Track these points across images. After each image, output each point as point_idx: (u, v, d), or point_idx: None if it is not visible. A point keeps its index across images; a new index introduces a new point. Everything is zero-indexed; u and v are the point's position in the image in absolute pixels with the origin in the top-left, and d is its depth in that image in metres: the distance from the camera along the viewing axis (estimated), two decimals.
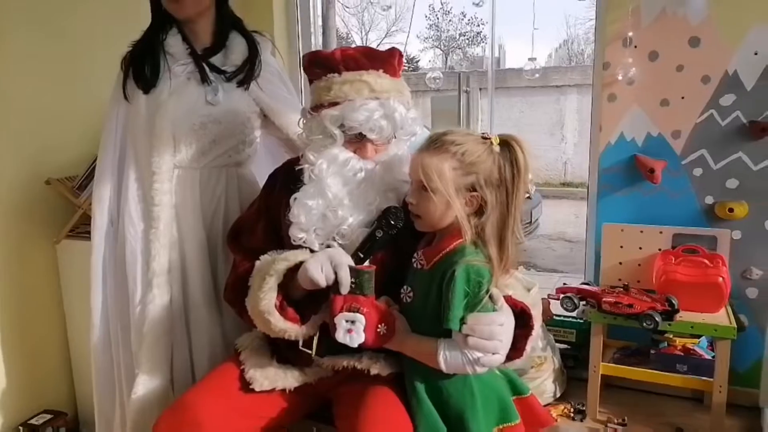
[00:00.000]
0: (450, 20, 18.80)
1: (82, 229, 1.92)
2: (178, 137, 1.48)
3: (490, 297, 1.06)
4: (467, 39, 18.88)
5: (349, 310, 1.08)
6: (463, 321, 1.03)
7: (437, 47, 19.52)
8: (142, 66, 1.48)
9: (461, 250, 1.08)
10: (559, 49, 18.73)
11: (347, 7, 16.18)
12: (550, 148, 9.44)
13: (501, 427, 1.09)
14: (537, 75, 2.46)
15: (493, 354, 1.03)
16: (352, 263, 1.12)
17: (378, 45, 18.67)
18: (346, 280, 1.10)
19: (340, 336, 1.08)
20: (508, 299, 1.10)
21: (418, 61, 19.60)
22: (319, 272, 1.10)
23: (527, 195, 3.71)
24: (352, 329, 1.08)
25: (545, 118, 9.27)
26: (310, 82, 1.30)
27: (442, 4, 18.05)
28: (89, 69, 2.01)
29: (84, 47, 2.00)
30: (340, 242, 1.19)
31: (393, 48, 1.28)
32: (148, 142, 1.48)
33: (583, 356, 2.20)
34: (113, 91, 1.57)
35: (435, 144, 1.08)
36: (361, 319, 1.08)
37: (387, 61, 1.24)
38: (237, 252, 1.37)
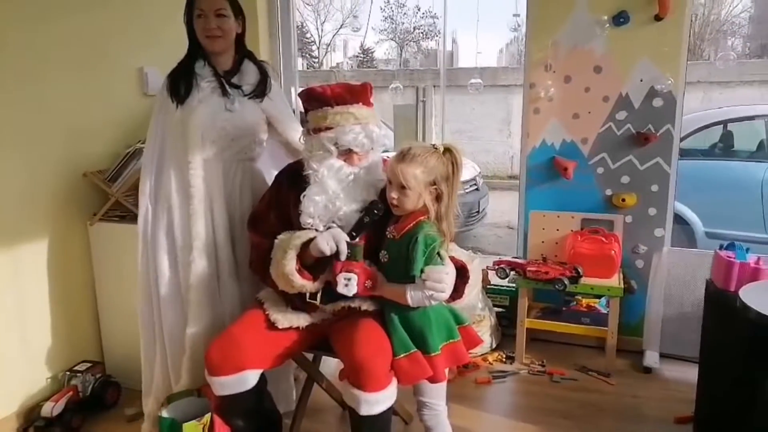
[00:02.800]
0: (405, 13, 19.20)
1: (112, 214, 2.33)
2: (205, 135, 1.91)
3: (440, 256, 1.58)
4: (421, 32, 19.31)
5: (347, 271, 1.58)
6: (422, 271, 1.54)
7: (392, 39, 19.91)
8: (178, 86, 1.92)
9: (421, 225, 1.59)
10: (510, 45, 19.45)
11: (308, 5, 16.38)
12: (499, 143, 10.10)
13: (447, 342, 1.62)
14: (480, 88, 2.99)
15: (441, 292, 1.54)
16: (348, 239, 1.61)
17: (334, 36, 18.79)
18: (344, 250, 1.59)
19: (341, 288, 1.57)
20: (452, 258, 1.62)
21: (374, 52, 19.91)
22: (326, 245, 1.58)
23: (475, 186, 4.36)
24: (348, 284, 1.57)
25: (494, 115, 9.92)
26: (306, 111, 1.77)
27: None
28: (109, 83, 2.42)
29: (104, 67, 2.39)
30: (338, 224, 1.67)
31: (365, 83, 1.75)
32: (183, 139, 1.90)
33: (514, 316, 2.78)
34: (155, 107, 2.00)
35: (407, 157, 1.57)
36: (354, 277, 1.58)
37: (363, 94, 1.72)
38: (256, 235, 1.81)
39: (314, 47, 19.38)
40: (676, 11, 2.44)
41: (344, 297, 1.69)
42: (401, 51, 19.60)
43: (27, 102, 2.12)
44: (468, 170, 5.81)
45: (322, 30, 19.24)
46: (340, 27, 19.03)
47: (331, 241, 1.59)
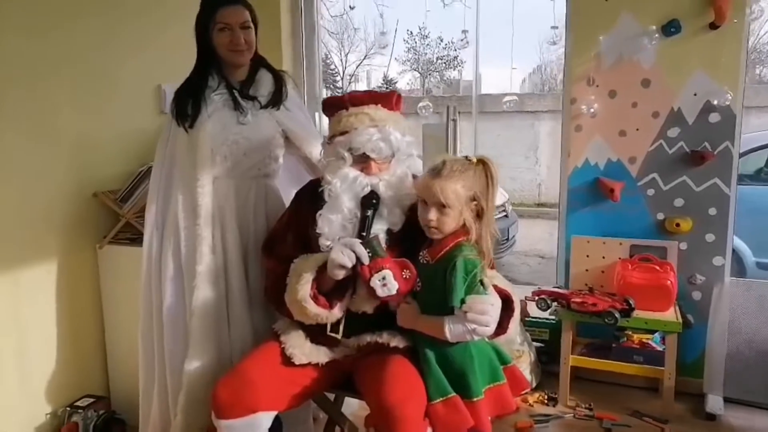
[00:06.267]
0: (428, 44, 19.35)
1: (122, 237, 2.19)
2: (216, 150, 1.76)
3: (482, 284, 1.37)
4: (444, 63, 19.40)
5: (376, 272, 1.38)
6: (462, 301, 1.33)
7: (415, 70, 20.03)
8: (185, 106, 1.77)
9: (460, 247, 1.39)
10: (533, 74, 19.40)
11: (332, 33, 16.60)
12: (525, 170, 9.85)
13: (491, 385, 1.40)
14: (513, 105, 2.80)
15: (485, 326, 1.34)
16: (360, 240, 1.42)
17: (357, 66, 19.02)
18: (363, 252, 1.39)
19: (380, 292, 1.37)
20: (495, 287, 1.41)
21: (396, 82, 20.06)
22: (342, 256, 1.39)
23: (504, 213, 4.09)
24: (386, 283, 1.37)
25: (521, 142, 9.71)
26: (329, 121, 1.61)
27: (420, 29, 18.60)
28: (126, 101, 2.31)
29: (120, 83, 2.29)
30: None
31: (393, 90, 1.61)
32: (192, 156, 1.76)
33: (555, 352, 2.53)
34: (165, 124, 1.86)
35: (444, 172, 1.39)
36: (388, 273, 1.37)
37: (386, 98, 1.55)
38: (271, 259, 1.64)
39: (338, 78, 19.61)
40: (733, 18, 2.23)
41: (370, 330, 1.50)
42: (424, 81, 19.70)
43: (35, 117, 2.00)
44: (497, 197, 5.58)
45: (346, 61, 19.47)
46: (364, 58, 19.23)
47: (345, 249, 1.41)
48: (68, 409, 2.07)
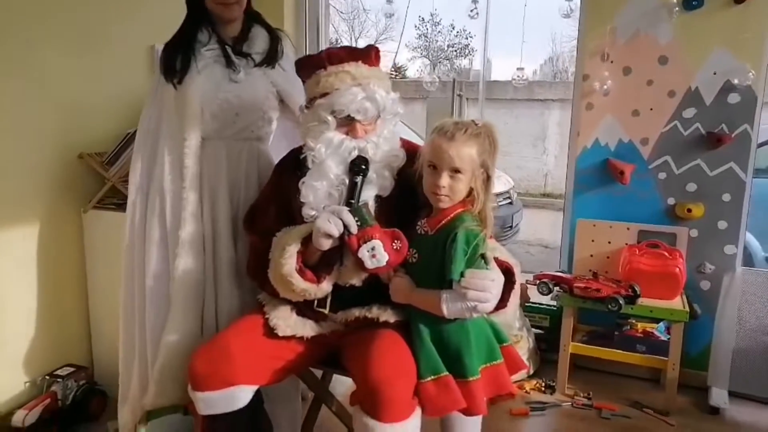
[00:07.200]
0: (439, 31, 19.04)
1: (108, 201, 2.10)
2: (206, 108, 1.65)
3: (484, 258, 1.27)
4: (455, 51, 19.11)
5: (365, 242, 1.29)
6: (462, 275, 1.24)
7: (425, 57, 19.75)
8: (173, 61, 1.65)
9: (461, 217, 1.30)
10: (544, 66, 19.12)
11: (341, 12, 16.34)
12: (532, 160, 9.70)
13: (488, 364, 1.31)
14: (524, 83, 2.70)
15: (485, 302, 1.24)
16: (348, 208, 1.33)
17: None
18: (351, 221, 1.30)
19: (369, 264, 1.28)
20: (496, 260, 1.32)
21: (406, 69, 19.78)
22: (329, 224, 1.29)
23: (509, 200, 3.95)
24: (375, 254, 1.28)
25: (529, 131, 9.55)
26: (304, 83, 1.50)
27: (431, 15, 18.32)
28: (117, 60, 2.22)
29: (111, 42, 2.19)
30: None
31: (370, 45, 1.49)
32: (180, 113, 1.65)
33: (555, 339, 2.43)
34: (153, 82, 1.76)
35: (458, 134, 1.28)
36: (377, 243, 1.28)
37: (365, 54, 1.45)
38: (253, 233, 1.54)
39: None
40: None
41: (359, 304, 1.41)
42: (434, 68, 19.41)
43: (21, 73, 1.91)
44: (502, 183, 5.47)
45: (356, 45, 19.17)
46: (375, 42, 18.94)
47: (332, 217, 1.31)
48: (47, 377, 1.99)
